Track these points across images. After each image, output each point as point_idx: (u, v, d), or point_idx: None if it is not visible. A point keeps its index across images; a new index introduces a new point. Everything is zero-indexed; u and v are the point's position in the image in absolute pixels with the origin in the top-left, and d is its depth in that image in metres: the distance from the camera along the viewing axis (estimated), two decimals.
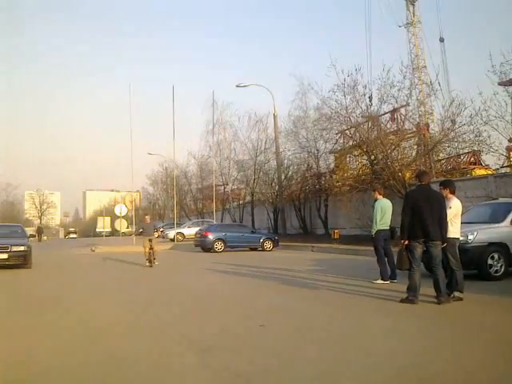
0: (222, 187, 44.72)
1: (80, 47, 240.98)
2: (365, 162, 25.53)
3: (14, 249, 14.39)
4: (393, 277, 9.48)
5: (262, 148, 38.07)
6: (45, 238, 57.04)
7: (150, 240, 15.32)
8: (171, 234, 33.29)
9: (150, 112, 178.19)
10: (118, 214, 30.76)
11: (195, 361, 4.39)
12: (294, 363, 4.23)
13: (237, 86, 31.45)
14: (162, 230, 38.49)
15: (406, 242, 7.12)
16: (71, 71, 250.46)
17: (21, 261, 14.46)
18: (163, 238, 33.30)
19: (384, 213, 9.65)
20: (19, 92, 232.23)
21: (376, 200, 9.96)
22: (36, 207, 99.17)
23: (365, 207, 20.84)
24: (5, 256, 14.17)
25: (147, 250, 15.17)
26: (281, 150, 32.57)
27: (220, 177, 43.62)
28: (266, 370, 4.05)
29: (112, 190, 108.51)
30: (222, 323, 6.06)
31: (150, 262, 15.00)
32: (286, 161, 33.72)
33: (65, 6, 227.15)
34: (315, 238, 26.58)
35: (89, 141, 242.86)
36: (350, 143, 26.08)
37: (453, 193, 7.69)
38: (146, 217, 16.76)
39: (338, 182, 27.27)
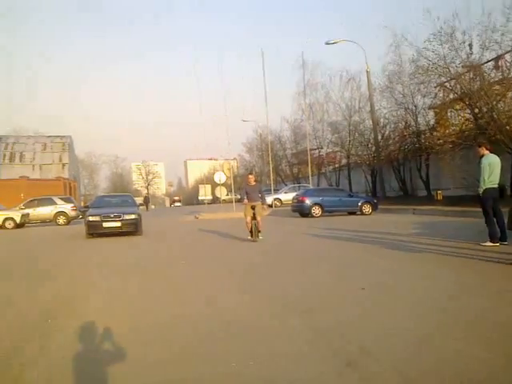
0: (317, 151, 44.37)
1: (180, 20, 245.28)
2: (468, 116, 23.82)
3: (126, 217, 15.48)
4: (503, 238, 8.93)
5: (356, 107, 37.18)
6: (152, 206, 60.78)
7: (253, 207, 12.26)
8: (268, 200, 33.76)
9: (243, 79, 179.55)
10: (217, 181, 31.83)
11: (298, 322, 4.53)
12: (391, 328, 4.22)
13: (326, 44, 30.58)
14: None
15: None
16: (166, 43, 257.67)
17: (132, 228, 15.56)
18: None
19: (492, 170, 9.02)
20: (120, 66, 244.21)
21: (482, 156, 9.28)
22: (143, 178, 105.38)
23: (469, 165, 19.59)
24: (118, 224, 15.34)
25: (249, 219, 12.25)
26: (376, 108, 31.41)
27: (314, 140, 43.32)
28: (363, 329, 4.09)
29: (211, 159, 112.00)
30: (322, 286, 6.16)
31: (253, 234, 12.30)
32: (382, 119, 32.48)
33: None
34: (416, 200, 25.66)
35: (186, 112, 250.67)
36: (451, 96, 24.40)
37: None
38: (250, 176, 13.13)
39: (439, 139, 25.81)
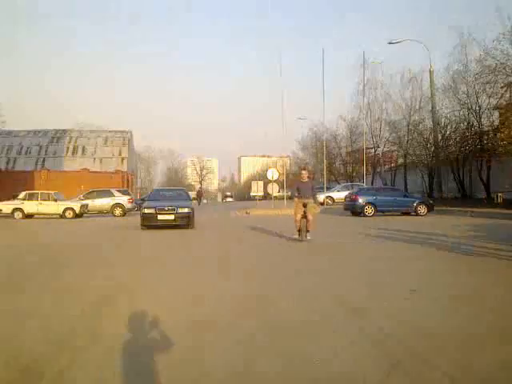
0: (373, 150, 43.60)
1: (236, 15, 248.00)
2: None
3: (180, 210, 15.76)
4: None
5: (417, 107, 36.30)
6: (205, 201, 61.72)
7: (305, 205, 11.26)
8: (321, 197, 33.60)
9: (300, 77, 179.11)
10: (269, 178, 31.89)
11: (348, 321, 4.45)
12: (439, 329, 4.07)
13: (389, 43, 30.31)
14: None
15: None
16: (225, 42, 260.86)
17: (185, 221, 15.83)
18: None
19: None
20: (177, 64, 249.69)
21: None
22: (197, 172, 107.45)
23: None
24: (172, 217, 15.67)
25: (298, 217, 11.26)
26: (437, 107, 30.58)
27: (371, 139, 42.66)
28: (415, 330, 3.97)
29: (264, 156, 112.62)
30: (372, 287, 6.04)
31: (300, 233, 11.37)
32: (443, 119, 31.55)
33: None
34: (475, 202, 24.69)
35: (242, 109, 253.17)
36: None
37: None
38: (303, 172, 12.08)
39: (503, 140, 24.77)
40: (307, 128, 56.83)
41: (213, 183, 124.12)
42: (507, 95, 24.79)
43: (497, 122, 27.02)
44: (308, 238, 11.26)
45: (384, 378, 3.02)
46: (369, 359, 3.36)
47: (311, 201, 11.41)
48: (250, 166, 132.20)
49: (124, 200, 27.72)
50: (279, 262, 8.50)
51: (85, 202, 26.55)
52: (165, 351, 3.57)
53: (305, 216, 11.16)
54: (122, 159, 55.98)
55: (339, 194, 32.63)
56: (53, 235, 15.85)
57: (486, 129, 27.85)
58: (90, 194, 27.97)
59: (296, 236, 11.41)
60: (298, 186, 11.84)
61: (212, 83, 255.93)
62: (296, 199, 11.73)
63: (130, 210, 27.81)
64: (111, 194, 27.89)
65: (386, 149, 43.06)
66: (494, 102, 26.66)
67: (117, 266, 8.05)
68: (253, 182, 39.72)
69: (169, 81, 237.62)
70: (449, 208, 22.71)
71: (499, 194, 22.91)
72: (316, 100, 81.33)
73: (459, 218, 19.18)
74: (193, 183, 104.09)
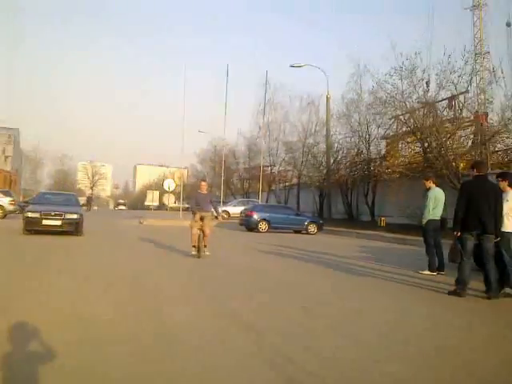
0: (269, 168, 44.78)
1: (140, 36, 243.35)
2: (417, 149, 24.87)
3: (68, 216, 14.86)
4: (440, 268, 9.24)
5: (313, 130, 37.94)
6: (95, 207, 59.02)
7: (202, 218, 10.73)
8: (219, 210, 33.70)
9: (203, 91, 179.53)
10: (166, 188, 31.37)
11: (244, 340, 4.35)
12: (324, 347, 4.18)
13: (291, 66, 31.49)
14: None
15: (459, 234, 6.90)
16: (128, 50, 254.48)
17: (73, 228, 14.95)
18: None
19: (437, 203, 9.37)
20: (74, 69, 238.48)
21: (429, 189, 9.65)
22: (88, 178, 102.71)
23: (414, 196, 20.30)
24: (58, 223, 14.72)
25: (195, 231, 10.59)
26: (331, 133, 32.21)
27: (268, 157, 43.75)
28: (308, 348, 4.03)
29: (161, 166, 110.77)
30: (262, 303, 6.08)
31: (199, 249, 10.57)
32: (336, 144, 33.37)
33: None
34: (360, 224, 26.23)
35: (141, 116, 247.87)
36: (404, 129, 25.44)
37: (511, 185, 7.35)
38: (202, 183, 11.69)
39: (388, 168, 26.77)
40: (207, 142, 57.12)
41: (105, 190, 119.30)
42: (394, 127, 26.81)
43: (383, 151, 29.09)
44: (207, 253, 10.64)
45: None
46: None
47: (209, 214, 11.01)
48: (146, 175, 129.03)
49: (5, 201, 25.63)
50: (174, 281, 7.58)
51: None
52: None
53: (202, 230, 10.62)
54: (6, 158, 52.05)
55: (235, 209, 32.95)
56: None
57: (373, 156, 29.80)
58: None
59: (194, 252, 10.56)
60: (196, 197, 11.25)
61: (114, 90, 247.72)
62: (195, 211, 11.01)
63: (11, 212, 25.73)
64: None
65: (281, 168, 44.46)
66: (382, 131, 28.71)
67: None
68: (148, 191, 38.98)
69: (67, 81, 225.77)
70: (337, 228, 23.87)
71: (382, 218, 24.53)
72: (218, 114, 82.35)
73: (346, 238, 20.28)
74: (83, 188, 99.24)
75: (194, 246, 10.61)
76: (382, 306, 6.23)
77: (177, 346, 3.99)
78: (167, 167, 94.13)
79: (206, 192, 11.38)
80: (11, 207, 25.69)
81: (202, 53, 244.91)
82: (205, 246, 10.72)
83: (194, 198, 11.56)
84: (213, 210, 11.27)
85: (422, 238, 9.88)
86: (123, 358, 3.60)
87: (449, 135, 21.94)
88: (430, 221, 9.38)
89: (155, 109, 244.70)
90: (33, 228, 14.67)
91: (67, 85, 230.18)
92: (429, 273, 9.15)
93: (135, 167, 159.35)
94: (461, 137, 22.98)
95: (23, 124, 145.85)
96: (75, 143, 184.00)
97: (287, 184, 43.89)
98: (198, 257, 10.44)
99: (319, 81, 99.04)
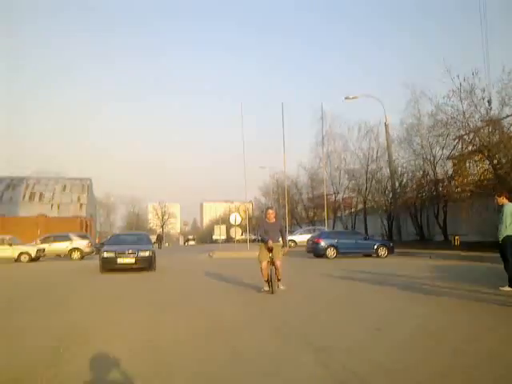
0: (333, 196, 44.44)
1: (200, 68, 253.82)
2: (486, 166, 23.86)
3: (141, 254, 15.60)
4: None
5: (374, 157, 37.47)
6: (166, 244, 60.93)
7: (271, 249, 9.48)
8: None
9: (262, 127, 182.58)
10: (232, 222, 31.89)
11: (312, 358, 4.43)
12: (403, 366, 4.12)
13: (346, 99, 31.54)
14: None
15: None
16: (190, 88, 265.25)
17: (146, 264, 15.63)
18: None
19: None
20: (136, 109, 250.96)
21: (503, 205, 9.32)
22: (158, 217, 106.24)
23: (488, 213, 19.47)
24: (132, 260, 15.47)
25: (265, 265, 9.43)
26: (394, 157, 31.66)
27: (331, 186, 43.49)
28: (379, 369, 3.99)
29: (226, 201, 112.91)
30: (341, 326, 6.05)
31: (270, 284, 9.46)
32: (399, 168, 32.74)
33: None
34: (433, 244, 25.37)
35: (205, 156, 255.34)
36: (470, 148, 24.58)
37: None
38: (270, 211, 10.20)
39: (457, 187, 25.84)
40: (268, 175, 57.74)
41: (174, 228, 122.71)
42: (459, 147, 26.00)
43: (450, 171, 28.17)
44: (281, 287, 9.71)
45: None
46: None
47: (279, 244, 9.77)
48: (212, 211, 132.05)
49: (82, 244, 27.32)
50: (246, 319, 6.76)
51: (41, 246, 25.87)
52: None
53: (272, 262, 9.46)
54: (81, 205, 55.12)
55: (301, 237, 32.90)
56: (7, 278, 15.24)
57: (440, 177, 28.94)
58: (47, 239, 27.37)
59: (266, 288, 9.57)
60: (264, 227, 9.89)
61: (175, 133, 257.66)
62: (261, 244, 9.90)
63: (88, 253, 27.33)
64: (69, 238, 27.40)
65: (345, 195, 43.99)
66: (447, 152, 27.86)
67: (72, 310, 7.76)
68: (215, 226, 39.76)
69: (131, 129, 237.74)
70: (409, 250, 23.25)
71: (456, 237, 23.66)
72: (278, 150, 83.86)
73: (419, 259, 19.63)
74: (154, 227, 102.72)
75: (266, 281, 9.60)
76: (459, 326, 6.02)
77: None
78: (232, 202, 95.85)
79: (274, 220, 9.99)
80: (88, 249, 27.33)
81: (257, 90, 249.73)
82: (278, 280, 9.67)
83: (261, 228, 10.10)
84: (281, 240, 9.91)
85: (499, 255, 9.49)
86: None
87: None
88: (507, 236, 9.01)
89: (217, 148, 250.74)
90: (109, 267, 15.42)
91: (128, 133, 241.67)
92: (510, 289, 8.72)
93: (201, 205, 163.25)
94: None
95: (95, 173, 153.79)
96: (145, 187, 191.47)
97: (353, 210, 43.30)
98: (272, 292, 9.36)
99: (375, 108, 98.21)
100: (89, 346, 4.95)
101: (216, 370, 4.00)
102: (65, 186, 56.26)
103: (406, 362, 4.19)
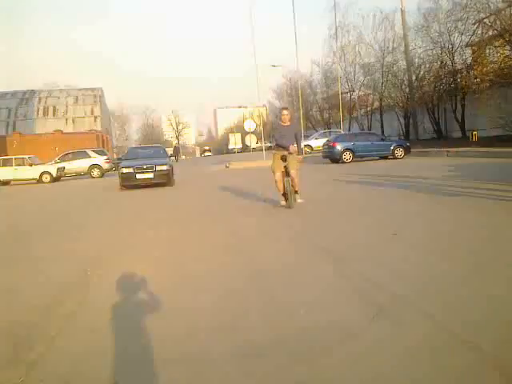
0: (348, 94, 43.35)
1: None
2: (507, 52, 22.71)
3: (158, 168, 15.62)
4: None
5: (390, 48, 35.93)
6: (183, 157, 61.34)
7: (285, 158, 8.46)
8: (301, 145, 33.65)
9: (272, 23, 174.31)
10: (247, 129, 31.73)
11: (330, 269, 4.54)
12: (417, 270, 4.20)
13: None
14: None
15: None
16: None
17: (164, 179, 15.76)
18: None
19: None
20: (151, 18, 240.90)
21: None
22: (173, 128, 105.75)
23: (507, 104, 18.89)
24: (150, 175, 15.55)
25: (279, 176, 8.47)
26: (410, 47, 30.36)
27: (346, 83, 42.33)
28: (394, 274, 4.09)
29: (240, 107, 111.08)
30: (358, 234, 6.16)
31: (286, 198, 8.51)
32: (416, 59, 31.43)
33: None
34: (451, 142, 24.98)
35: (214, 60, 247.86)
36: (490, 33, 23.26)
37: None
38: (284, 112, 8.78)
39: (476, 78, 24.88)
40: (282, 75, 56.24)
41: (190, 138, 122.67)
42: (479, 32, 24.63)
43: (469, 60, 26.98)
44: (299, 200, 8.67)
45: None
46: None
47: (294, 151, 8.47)
48: (226, 119, 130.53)
49: (101, 160, 27.39)
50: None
51: (61, 164, 26.14)
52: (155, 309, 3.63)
53: (287, 173, 8.43)
54: (95, 118, 54.92)
55: (317, 142, 32.67)
56: (35, 200, 15.67)
57: (459, 67, 27.80)
58: (65, 157, 27.49)
59: (283, 202, 8.62)
60: (278, 131, 8.66)
61: (185, 35, 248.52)
62: (274, 151, 8.81)
63: (107, 170, 27.57)
64: (87, 155, 27.51)
65: (361, 93, 42.90)
66: (466, 39, 26.52)
67: (97, 231, 8.01)
68: (230, 135, 39.60)
69: (140, 36, 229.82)
70: (426, 149, 22.94)
71: (474, 132, 23.19)
72: (289, 48, 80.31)
73: (436, 158, 19.49)
74: (169, 139, 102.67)
75: (282, 195, 8.63)
76: (473, 224, 6.06)
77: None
78: (245, 107, 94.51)
79: (288, 123, 8.69)
80: (107, 165, 27.48)
81: None
82: (296, 193, 8.61)
83: (276, 132, 8.77)
84: (296, 146, 8.61)
85: None
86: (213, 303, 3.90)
87: None
88: None
89: (226, 50, 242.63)
90: (128, 183, 15.64)
91: (140, 36, 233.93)
92: None
93: (215, 111, 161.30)
94: None
95: (105, 83, 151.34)
96: (157, 96, 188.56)
97: (369, 109, 42.43)
98: (289, 206, 8.40)
99: None
100: (114, 267, 5.12)
101: (240, 287, 4.13)
102: (77, 98, 55.83)
103: (422, 267, 4.25)
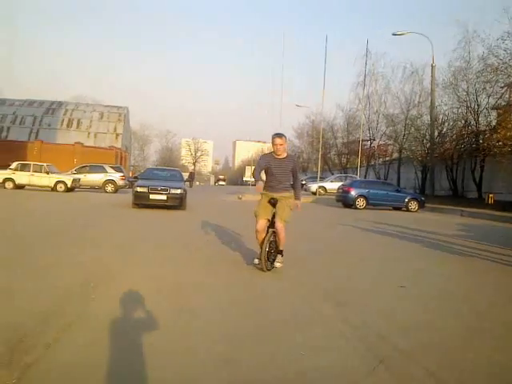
0: (369, 142, 43.60)
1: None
2: None
3: (172, 191, 15.63)
4: None
5: (416, 101, 36.38)
6: (197, 183, 61.68)
7: (274, 202, 6.13)
8: (313, 187, 33.64)
9: (300, 64, 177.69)
10: None
11: (333, 313, 4.45)
12: (427, 326, 4.09)
13: (393, 34, 30.01)
14: (304, 182, 38.96)
15: None
16: (223, 29, 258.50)
17: (177, 202, 15.74)
18: (305, 190, 32.90)
19: None
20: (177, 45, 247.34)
21: None
22: (191, 154, 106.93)
23: None
24: (164, 197, 15.52)
25: (261, 225, 6.05)
26: (436, 103, 30.55)
27: (367, 131, 42.65)
28: (400, 327, 3.98)
29: (259, 141, 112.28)
30: (358, 282, 6.04)
31: (264, 256, 5.95)
32: (441, 116, 31.67)
33: None
34: (466, 201, 24.82)
35: (241, 94, 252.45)
36: None
37: None
38: (277, 140, 6.07)
39: (499, 141, 24.83)
40: (304, 116, 56.90)
41: (206, 166, 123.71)
42: (507, 95, 24.80)
43: (494, 122, 27.06)
44: (277, 264, 6.12)
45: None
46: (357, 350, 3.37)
47: (287, 195, 6.23)
48: (244, 151, 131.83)
49: (116, 177, 27.62)
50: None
51: (77, 176, 26.39)
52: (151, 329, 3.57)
53: (272, 224, 6.10)
54: (117, 135, 55.65)
55: (332, 185, 32.59)
56: (42, 208, 15.73)
57: (482, 128, 27.88)
58: (82, 169, 27.86)
59: (257, 261, 6.16)
60: (267, 163, 6.24)
61: (212, 68, 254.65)
62: (263, 191, 6.31)
63: (121, 187, 27.78)
64: (104, 170, 27.78)
65: (381, 142, 43.14)
66: (492, 101, 26.70)
67: (104, 246, 7.95)
68: (247, 167, 39.69)
69: (170, 66, 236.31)
70: (440, 206, 22.81)
71: (490, 195, 23.02)
72: (315, 89, 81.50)
73: (450, 216, 19.33)
74: (186, 164, 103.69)
75: (261, 247, 6.07)
76: (477, 287, 5.97)
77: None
78: (264, 143, 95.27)
79: (284, 155, 6.21)
80: (121, 182, 27.71)
81: (299, 23, 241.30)
82: (278, 253, 6.20)
83: (260, 164, 6.31)
84: (292, 189, 6.41)
85: None
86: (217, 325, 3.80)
87: None
88: None
89: (252, 84, 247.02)
90: (141, 202, 15.65)
91: (171, 70, 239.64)
92: None
93: (234, 143, 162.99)
94: None
95: (132, 103, 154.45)
96: (180, 122, 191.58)
97: (387, 159, 42.54)
98: (262, 269, 6.00)
99: (423, 49, 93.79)
100: (116, 283, 5.07)
101: (238, 319, 4.05)
102: (102, 114, 56.69)
103: (427, 322, 4.15)
